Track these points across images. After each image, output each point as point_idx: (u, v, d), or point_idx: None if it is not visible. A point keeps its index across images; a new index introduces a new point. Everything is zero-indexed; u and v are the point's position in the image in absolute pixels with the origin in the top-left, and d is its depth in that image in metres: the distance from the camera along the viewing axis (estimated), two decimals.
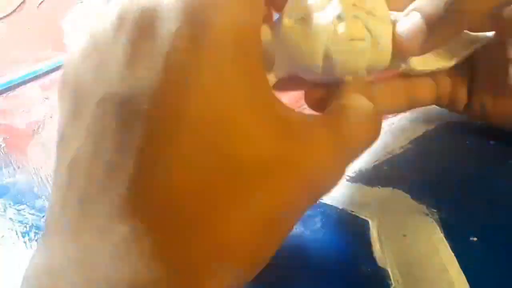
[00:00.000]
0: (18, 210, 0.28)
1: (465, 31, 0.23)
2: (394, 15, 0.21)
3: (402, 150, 0.27)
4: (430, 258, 0.22)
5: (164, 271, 0.14)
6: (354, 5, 0.20)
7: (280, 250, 0.24)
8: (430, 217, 0.24)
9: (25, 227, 0.28)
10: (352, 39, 0.19)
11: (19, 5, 0.45)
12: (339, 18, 0.19)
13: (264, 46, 0.19)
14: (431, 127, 0.28)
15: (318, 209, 0.25)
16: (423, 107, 0.29)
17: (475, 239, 0.23)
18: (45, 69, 0.38)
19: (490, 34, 0.23)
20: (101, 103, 0.16)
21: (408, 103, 0.25)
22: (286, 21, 0.20)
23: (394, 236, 0.23)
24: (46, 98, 0.36)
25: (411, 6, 0.21)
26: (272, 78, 0.21)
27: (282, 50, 0.20)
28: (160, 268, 0.14)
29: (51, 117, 0.34)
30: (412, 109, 0.26)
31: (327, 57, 0.20)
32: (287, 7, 0.20)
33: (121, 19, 0.16)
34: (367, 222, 0.24)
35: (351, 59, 0.20)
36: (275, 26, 0.20)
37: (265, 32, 0.20)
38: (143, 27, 0.16)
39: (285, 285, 0.23)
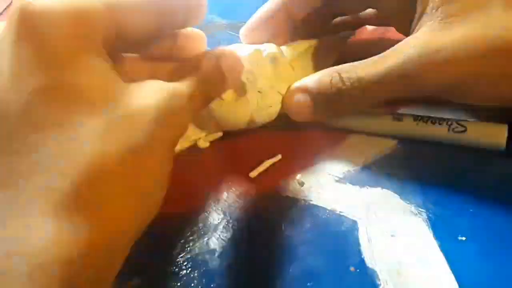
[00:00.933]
0: None
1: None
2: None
3: (390, 150, 0.27)
4: (419, 258, 0.22)
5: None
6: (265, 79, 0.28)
7: (268, 250, 0.23)
8: (419, 217, 0.24)
9: None
10: (270, 106, 0.28)
11: (6, 7, 0.45)
12: (259, 92, 0.27)
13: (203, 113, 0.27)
14: None
15: (307, 210, 0.25)
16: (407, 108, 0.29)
17: (463, 238, 0.23)
18: None
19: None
20: None
21: None
22: (228, 97, 0.27)
23: (382, 236, 0.23)
24: None
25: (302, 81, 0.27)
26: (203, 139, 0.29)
27: (218, 117, 0.28)
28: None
29: None
30: None
31: (252, 121, 0.28)
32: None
33: None
34: (356, 222, 0.24)
35: (266, 117, 0.28)
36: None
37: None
38: None
39: (273, 285, 0.22)
